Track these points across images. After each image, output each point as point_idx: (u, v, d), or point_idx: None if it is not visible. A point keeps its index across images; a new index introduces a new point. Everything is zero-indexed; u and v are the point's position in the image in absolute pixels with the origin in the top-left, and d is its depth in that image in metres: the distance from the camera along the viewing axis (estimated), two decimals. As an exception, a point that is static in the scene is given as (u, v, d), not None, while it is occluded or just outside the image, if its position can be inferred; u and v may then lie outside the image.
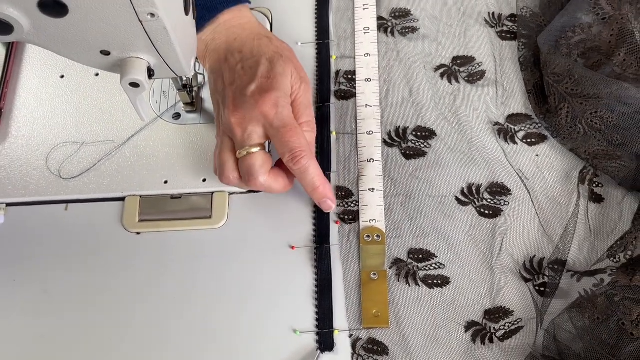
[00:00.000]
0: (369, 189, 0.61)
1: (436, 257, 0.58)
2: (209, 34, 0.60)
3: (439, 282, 0.57)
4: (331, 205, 0.58)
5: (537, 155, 0.62)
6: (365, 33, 0.69)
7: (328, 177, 0.62)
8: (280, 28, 0.70)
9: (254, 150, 0.55)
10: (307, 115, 0.58)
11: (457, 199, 0.61)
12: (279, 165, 0.58)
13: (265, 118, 0.54)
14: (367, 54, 0.68)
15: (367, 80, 0.67)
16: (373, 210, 0.60)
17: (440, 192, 0.61)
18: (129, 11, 0.45)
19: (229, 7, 0.60)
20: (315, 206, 0.60)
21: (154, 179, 0.62)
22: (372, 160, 0.62)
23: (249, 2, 0.62)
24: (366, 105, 0.65)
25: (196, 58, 0.57)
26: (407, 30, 0.70)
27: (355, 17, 0.70)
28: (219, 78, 0.58)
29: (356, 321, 0.56)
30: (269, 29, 0.70)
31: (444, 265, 0.58)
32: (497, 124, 0.64)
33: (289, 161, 0.55)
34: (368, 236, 0.59)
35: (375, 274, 0.57)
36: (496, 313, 0.55)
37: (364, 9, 0.70)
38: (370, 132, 0.64)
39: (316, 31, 0.70)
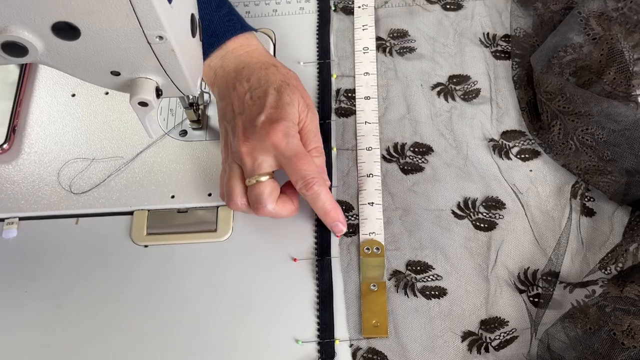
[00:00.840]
0: (369, 203, 0.61)
1: (433, 269, 0.58)
2: (217, 60, 0.60)
3: (436, 293, 0.57)
4: (342, 229, 0.59)
5: (531, 171, 0.63)
6: (364, 53, 0.70)
7: (329, 192, 0.62)
8: (283, 48, 0.71)
9: (263, 179, 0.55)
10: (315, 141, 0.58)
11: (454, 212, 0.61)
12: (285, 190, 0.58)
13: (276, 148, 0.54)
14: (367, 72, 0.68)
15: (367, 98, 0.67)
16: (372, 223, 0.60)
17: (437, 206, 0.61)
18: (138, 34, 0.45)
19: (236, 34, 0.60)
20: (317, 220, 0.60)
21: (162, 194, 0.62)
22: (371, 175, 0.63)
23: (256, 30, 0.63)
24: (365, 122, 0.66)
25: (202, 79, 0.58)
26: (404, 50, 0.70)
27: (355, 38, 0.71)
28: (228, 106, 0.58)
29: (356, 331, 0.56)
30: (272, 49, 0.70)
31: (441, 276, 0.58)
32: (492, 140, 0.64)
33: (302, 188, 0.55)
34: (368, 249, 0.59)
35: (374, 286, 0.57)
36: (492, 323, 0.55)
37: (363, 30, 0.71)
38: (370, 148, 0.64)
39: (317, 51, 0.71)
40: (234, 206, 0.57)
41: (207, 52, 0.58)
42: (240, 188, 0.56)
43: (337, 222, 0.58)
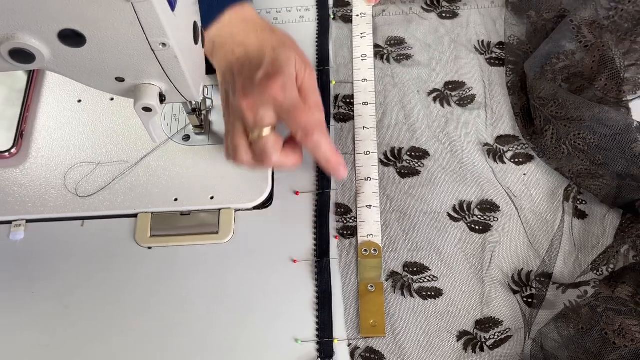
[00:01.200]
0: (367, 206, 0.61)
1: (430, 270, 0.58)
2: (215, 31, 0.60)
3: (433, 293, 0.57)
4: (344, 174, 0.58)
5: (524, 174, 0.63)
6: (362, 60, 0.70)
7: (328, 195, 0.62)
8: (284, 55, 0.71)
9: (266, 132, 0.55)
10: (314, 97, 0.58)
11: (449, 215, 0.61)
12: (288, 144, 0.58)
13: (275, 101, 0.55)
14: (365, 79, 0.69)
15: (365, 104, 0.67)
16: (370, 225, 0.60)
17: (434, 208, 0.61)
18: (142, 41, 0.45)
19: (232, 5, 0.61)
20: (316, 222, 0.61)
21: (165, 197, 0.62)
22: (369, 179, 0.63)
23: (252, 1, 0.63)
24: (363, 127, 0.66)
25: (204, 85, 0.58)
26: (401, 57, 0.70)
27: (353, 45, 0.71)
28: (227, 70, 0.59)
29: (354, 331, 0.56)
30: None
31: (437, 277, 0.58)
32: (486, 144, 0.64)
33: (302, 138, 0.55)
34: (366, 250, 0.59)
35: (372, 286, 0.57)
36: (486, 323, 0.56)
37: (361, 38, 0.71)
38: (368, 152, 0.64)
39: (317, 58, 0.71)
40: (240, 161, 0.57)
41: (205, 24, 0.58)
42: (244, 143, 0.57)
43: (339, 167, 0.57)
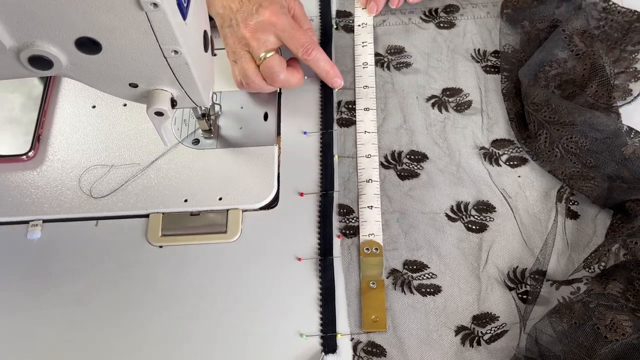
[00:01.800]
0: (368, 207, 0.62)
1: (429, 268, 0.58)
2: None
3: (432, 290, 0.57)
4: (340, 83, 0.67)
5: (519, 176, 0.63)
6: (364, 67, 0.70)
7: (331, 197, 0.62)
8: (289, 63, 0.71)
9: (270, 54, 0.62)
10: (306, 23, 0.66)
11: (447, 215, 0.61)
12: (290, 64, 0.64)
13: (274, 25, 0.61)
14: (366, 86, 0.69)
15: (366, 109, 0.68)
16: (372, 225, 0.61)
17: (432, 209, 0.61)
18: (155, 49, 0.46)
19: None
20: (320, 222, 0.61)
21: (175, 198, 0.63)
22: (370, 181, 0.63)
23: None
24: (365, 131, 0.66)
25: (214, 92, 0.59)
26: (401, 65, 0.71)
27: (355, 54, 0.71)
28: (226, 11, 0.63)
29: (357, 326, 0.56)
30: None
31: (435, 275, 0.58)
32: (482, 148, 0.65)
33: (303, 54, 0.63)
34: (367, 249, 0.59)
35: (374, 283, 0.57)
36: (483, 318, 0.56)
37: (362, 46, 0.72)
38: (369, 156, 0.64)
39: (320, 66, 0.71)
40: (252, 84, 0.63)
41: None
42: (253, 67, 0.63)
43: (336, 78, 0.66)
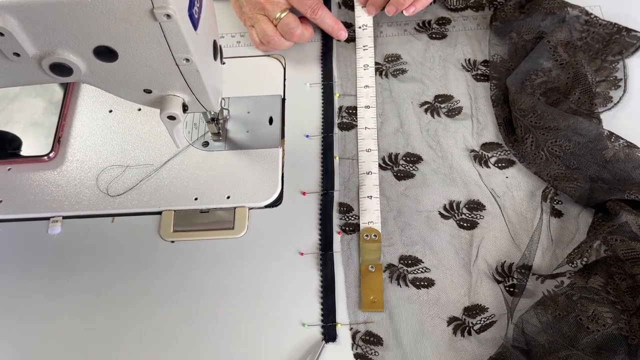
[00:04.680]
0: (368, 197, 0.61)
1: (423, 262, 0.58)
2: None
3: (425, 283, 0.57)
4: (345, 35, 0.71)
5: (507, 177, 0.62)
6: (365, 69, 0.70)
7: (331, 196, 0.62)
8: (292, 72, 0.71)
9: (284, 14, 0.66)
10: None
11: (440, 213, 0.61)
12: (302, 21, 0.68)
13: None
14: (367, 85, 0.69)
15: (367, 107, 0.67)
16: (371, 214, 0.60)
17: (426, 207, 0.61)
18: (168, 57, 0.46)
19: None
20: (321, 219, 0.60)
21: (186, 196, 0.62)
22: (370, 173, 0.62)
23: None
24: (365, 127, 0.66)
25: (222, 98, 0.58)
26: (398, 72, 0.70)
27: (357, 56, 0.71)
28: None
29: (356, 316, 0.55)
30: (283, 73, 0.70)
31: (429, 269, 0.58)
32: (473, 151, 0.64)
33: (311, 14, 0.67)
34: (367, 235, 0.59)
35: (372, 267, 0.57)
36: (473, 310, 0.55)
37: (364, 50, 0.71)
38: (369, 150, 0.64)
39: (322, 74, 0.71)
40: (273, 42, 0.67)
41: None
42: (271, 27, 0.67)
43: (341, 31, 0.70)
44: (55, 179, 0.64)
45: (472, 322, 0.55)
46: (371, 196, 0.61)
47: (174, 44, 0.44)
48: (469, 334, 0.54)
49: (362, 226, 0.60)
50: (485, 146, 0.64)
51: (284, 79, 0.70)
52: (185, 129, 0.67)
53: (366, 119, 0.66)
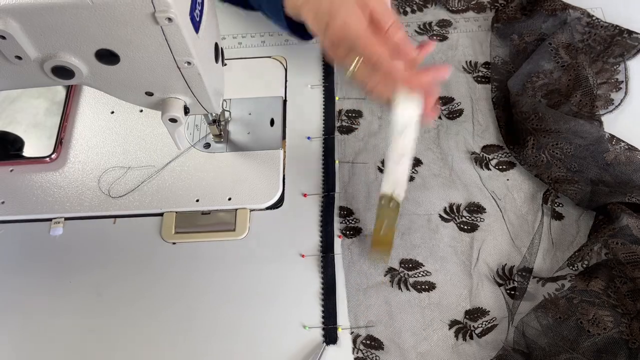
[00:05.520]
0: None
1: (424, 266, 0.58)
2: None
3: (427, 287, 0.56)
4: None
5: (508, 180, 0.62)
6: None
7: (332, 197, 0.61)
8: (294, 73, 0.70)
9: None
10: (387, 17, 0.52)
11: (441, 216, 0.60)
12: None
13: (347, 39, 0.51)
14: None
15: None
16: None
17: (427, 210, 0.61)
18: (169, 60, 0.45)
19: None
20: (322, 221, 0.60)
21: (188, 198, 0.62)
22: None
23: None
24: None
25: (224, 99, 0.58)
26: (398, 75, 0.70)
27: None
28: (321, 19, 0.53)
29: (357, 321, 0.55)
30: (284, 75, 0.70)
31: (430, 272, 0.57)
32: (473, 153, 0.64)
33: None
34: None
35: (393, 203, 0.53)
36: (475, 313, 0.55)
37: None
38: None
39: (323, 75, 0.70)
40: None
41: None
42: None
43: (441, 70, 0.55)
44: (57, 180, 0.64)
45: (473, 326, 0.54)
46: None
47: (176, 47, 0.44)
48: (471, 337, 0.54)
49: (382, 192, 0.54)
50: (486, 148, 0.64)
51: (285, 81, 0.70)
52: (186, 130, 0.66)
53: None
